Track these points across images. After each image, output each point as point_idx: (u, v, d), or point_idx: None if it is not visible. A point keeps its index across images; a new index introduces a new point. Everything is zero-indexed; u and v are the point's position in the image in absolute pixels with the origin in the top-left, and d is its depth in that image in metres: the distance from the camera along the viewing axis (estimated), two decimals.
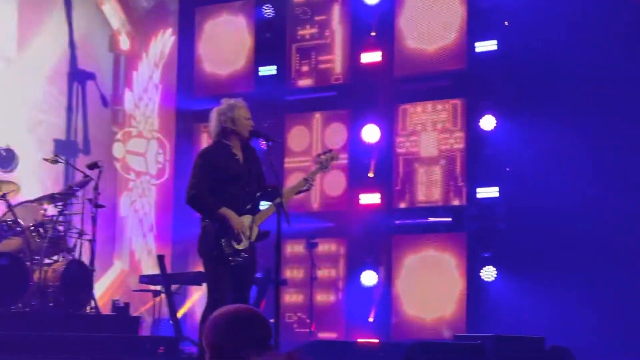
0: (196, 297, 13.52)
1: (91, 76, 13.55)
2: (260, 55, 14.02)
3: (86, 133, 13.42)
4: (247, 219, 6.68)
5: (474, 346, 7.79)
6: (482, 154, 12.56)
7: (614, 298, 11.53)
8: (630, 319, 11.33)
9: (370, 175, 13.15)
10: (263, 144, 6.79)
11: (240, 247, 6.61)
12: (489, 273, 12.28)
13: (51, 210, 10.12)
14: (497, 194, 12.41)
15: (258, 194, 6.82)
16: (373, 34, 13.29)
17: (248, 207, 6.73)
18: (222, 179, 6.66)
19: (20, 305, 9.12)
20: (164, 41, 14.67)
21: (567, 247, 11.80)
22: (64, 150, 12.57)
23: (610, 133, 11.75)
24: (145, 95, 14.53)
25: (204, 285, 7.11)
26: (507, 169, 12.23)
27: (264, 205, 6.94)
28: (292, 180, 12.35)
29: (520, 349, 7.97)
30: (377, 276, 12.94)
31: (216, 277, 6.57)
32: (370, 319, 12.79)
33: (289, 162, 13.75)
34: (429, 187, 12.98)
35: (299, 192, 7.11)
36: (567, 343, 8.77)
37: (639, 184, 11.37)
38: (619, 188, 11.56)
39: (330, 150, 7.40)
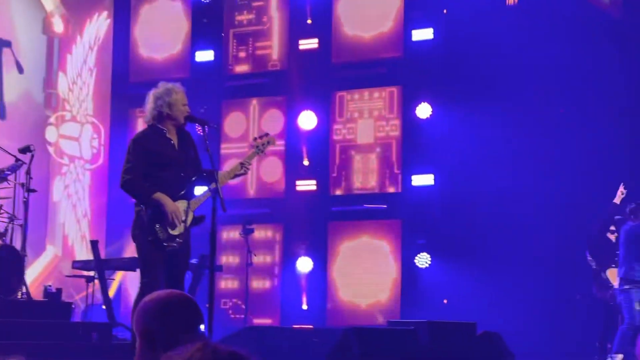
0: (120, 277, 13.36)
1: (7, 44, 13.22)
2: (197, 40, 13.93)
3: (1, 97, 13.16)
4: (182, 204, 6.64)
5: (407, 332, 7.84)
6: (417, 141, 12.66)
7: (544, 284, 11.74)
8: (558, 305, 11.56)
9: (305, 163, 13.18)
10: (199, 129, 6.75)
11: (175, 232, 6.58)
12: (423, 260, 12.42)
13: None
14: (432, 182, 12.52)
15: (193, 179, 6.79)
16: (309, 21, 13.29)
17: (183, 192, 6.69)
18: (156, 164, 6.61)
19: None
20: (99, 24, 14.47)
21: (500, 235, 11.97)
22: None
23: (544, 123, 11.94)
24: (80, 79, 14.33)
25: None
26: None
27: (199, 190, 6.92)
28: (228, 167, 12.30)
29: (453, 335, 8.03)
30: (312, 263, 13.00)
31: (150, 263, 6.53)
32: (304, 307, 12.82)
33: (226, 148, 13.70)
34: (365, 175, 13.05)
35: (235, 176, 7.09)
36: (498, 328, 8.89)
37: (571, 174, 11.58)
38: (552, 177, 11.76)
39: (266, 134, 7.37)
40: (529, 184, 11.91)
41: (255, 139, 7.33)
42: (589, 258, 10.36)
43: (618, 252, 9.79)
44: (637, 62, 11.42)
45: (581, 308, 10.99)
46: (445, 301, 9.99)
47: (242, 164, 6.99)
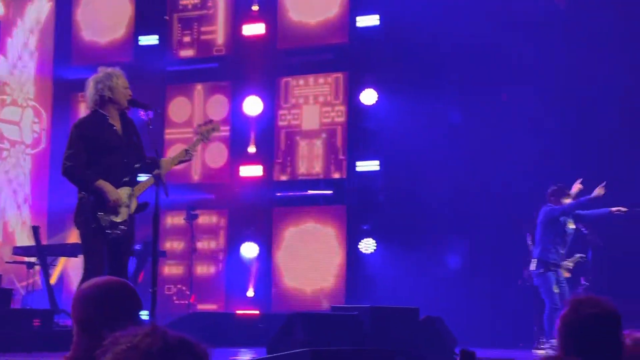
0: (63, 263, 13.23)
1: None
2: (141, 24, 13.80)
3: None
4: (125, 190, 6.59)
5: (350, 317, 7.90)
6: (363, 127, 12.72)
7: (487, 269, 11.90)
8: (500, 290, 11.72)
9: (251, 150, 13.15)
10: (142, 114, 6.68)
11: (118, 219, 6.53)
12: (368, 245, 12.49)
13: None
14: (377, 167, 12.59)
15: (137, 165, 6.74)
16: (255, 7, 13.23)
17: (126, 179, 6.63)
18: (99, 150, 6.53)
19: None
20: (40, 7, 14.26)
21: (444, 220, 12.10)
22: None
23: (490, 108, 12.04)
24: (20, 62, 14.12)
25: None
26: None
27: (142, 177, 6.87)
28: (173, 152, 12.24)
29: (396, 320, 8.10)
30: (257, 248, 13.00)
31: (93, 250, 6.47)
32: (249, 293, 12.82)
33: (170, 134, 13.63)
34: (310, 160, 13.08)
35: (180, 162, 7.07)
36: (441, 313, 9.00)
37: (515, 160, 11.71)
38: (496, 163, 11.88)
39: (211, 121, 7.34)
40: (473, 170, 12.03)
41: (199, 125, 7.30)
42: (529, 242, 10.51)
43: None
44: (582, 49, 11.54)
45: (523, 293, 11.14)
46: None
47: (186, 151, 6.97)
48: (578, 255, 9.87)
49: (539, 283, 9.67)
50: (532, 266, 9.68)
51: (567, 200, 9.56)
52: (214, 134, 7.25)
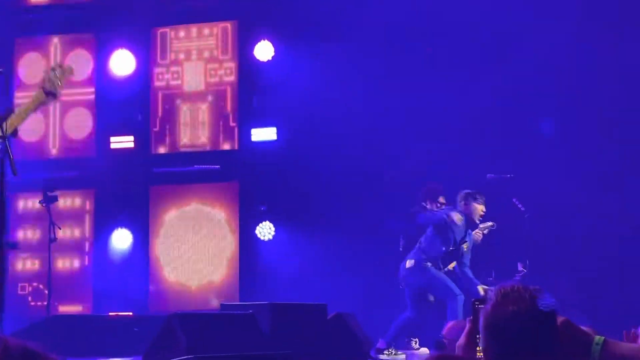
0: None
1: None
2: None
3: None
4: None
5: (244, 317, 7.91)
6: (257, 88, 12.67)
7: (394, 257, 11.91)
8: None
9: (122, 117, 13.00)
10: None
11: None
12: (265, 230, 12.50)
13: None
14: (274, 137, 12.59)
15: None
16: None
17: None
18: None
19: None
20: None
21: (353, 197, 12.10)
22: None
23: (399, 75, 12.08)
24: None
25: None
26: None
27: None
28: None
29: (300, 318, 8.16)
30: (131, 236, 12.90)
31: None
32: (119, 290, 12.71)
33: (21, 97, 13.29)
34: (194, 129, 13.01)
35: (39, 106, 6.87)
36: (353, 309, 9.05)
37: (423, 130, 11.79)
38: (405, 135, 11.93)
39: (61, 66, 7.16)
40: (380, 137, 12.06)
41: (48, 70, 7.07)
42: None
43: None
44: None
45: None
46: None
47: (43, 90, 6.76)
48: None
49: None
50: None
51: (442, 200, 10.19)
52: (66, 78, 7.04)
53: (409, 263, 10.08)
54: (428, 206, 10.12)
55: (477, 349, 3.01)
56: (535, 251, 10.84)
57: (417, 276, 9.98)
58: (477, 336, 2.98)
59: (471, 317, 3.06)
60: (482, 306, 2.93)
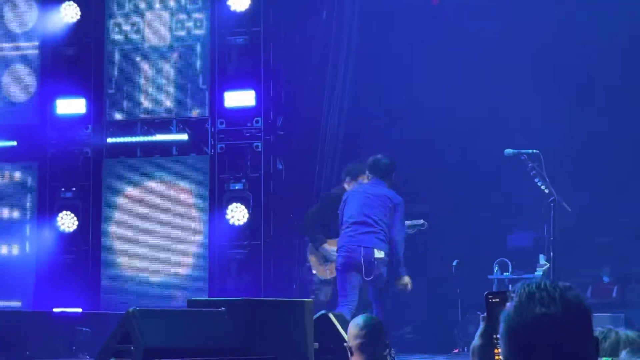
0: None
1: None
2: None
3: None
4: None
5: (214, 314, 7.91)
6: (233, 43, 12.74)
7: None
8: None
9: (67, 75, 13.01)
10: None
11: None
12: (238, 212, 12.53)
13: None
14: (253, 102, 12.57)
15: None
16: None
17: None
18: None
19: None
20: None
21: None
22: None
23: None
24: None
25: None
26: None
27: None
28: None
29: (280, 316, 8.16)
30: (80, 218, 12.92)
31: None
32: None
33: None
34: (157, 91, 13.04)
35: None
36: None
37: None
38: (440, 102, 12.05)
39: None
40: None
41: None
42: None
43: None
44: None
45: None
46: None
47: None
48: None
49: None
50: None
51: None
52: None
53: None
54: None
55: (496, 351, 2.90)
56: None
57: None
58: (495, 336, 2.85)
59: (485, 314, 2.97)
60: (497, 300, 2.83)
